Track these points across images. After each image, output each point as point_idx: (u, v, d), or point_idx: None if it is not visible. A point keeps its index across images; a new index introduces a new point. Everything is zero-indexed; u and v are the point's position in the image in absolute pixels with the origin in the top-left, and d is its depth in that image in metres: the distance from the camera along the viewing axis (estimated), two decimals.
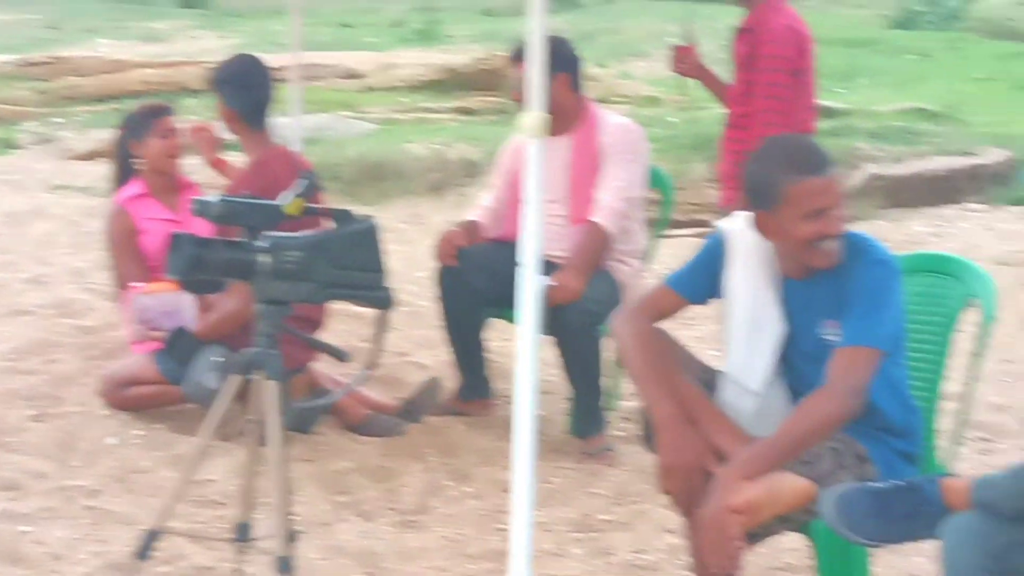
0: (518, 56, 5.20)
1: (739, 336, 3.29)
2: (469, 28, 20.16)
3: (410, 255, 7.56)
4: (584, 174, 5.03)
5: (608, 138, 5.05)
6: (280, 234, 3.23)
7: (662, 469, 3.15)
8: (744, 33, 5.11)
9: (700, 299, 3.41)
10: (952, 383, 5.65)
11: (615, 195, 4.97)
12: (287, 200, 3.35)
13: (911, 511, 2.80)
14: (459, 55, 13.34)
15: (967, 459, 5.02)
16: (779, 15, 5.03)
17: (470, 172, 8.98)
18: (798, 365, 3.27)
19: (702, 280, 3.38)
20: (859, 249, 3.20)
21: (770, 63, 4.99)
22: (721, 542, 2.99)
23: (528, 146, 2.91)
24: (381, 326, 3.85)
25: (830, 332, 3.19)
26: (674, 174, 8.78)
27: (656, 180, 5.39)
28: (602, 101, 12.51)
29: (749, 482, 2.99)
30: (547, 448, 5.09)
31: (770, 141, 3.28)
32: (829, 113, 10.83)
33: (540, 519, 4.48)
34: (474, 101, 11.47)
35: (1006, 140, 9.52)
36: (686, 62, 5.42)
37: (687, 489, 3.13)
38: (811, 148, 3.23)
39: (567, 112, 5.07)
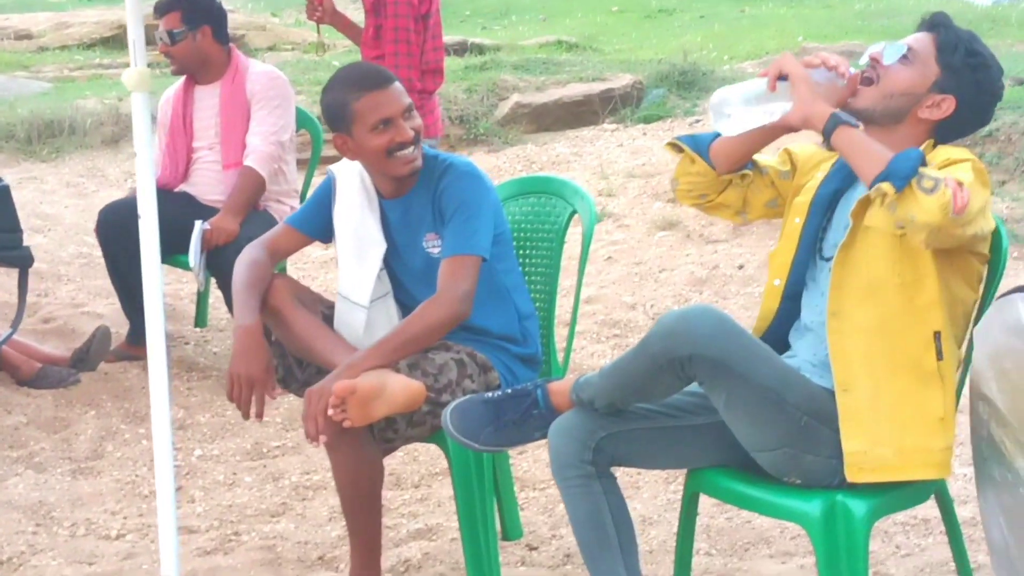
0: (160, 10, 5.00)
1: (348, 258, 3.23)
2: None
3: (87, 207, 7.21)
4: (234, 121, 4.89)
5: (255, 86, 4.91)
6: None
7: (228, 376, 3.07)
8: None
9: (322, 236, 3.32)
10: (585, 288, 5.82)
11: (265, 139, 4.85)
12: None
13: (522, 416, 2.79)
14: None
15: (605, 354, 5.14)
16: None
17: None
18: (407, 283, 3.24)
19: (319, 218, 3.30)
20: (446, 165, 3.20)
21: (395, 9, 4.95)
22: (313, 411, 2.90)
23: (134, 102, 2.73)
24: (23, 284, 3.65)
25: (431, 244, 3.18)
26: None
27: (305, 122, 5.27)
28: (272, 48, 12.29)
29: (361, 378, 2.90)
30: (221, 383, 4.92)
31: (336, 72, 3.25)
32: (479, 50, 10.87)
33: (214, 452, 4.36)
34: (154, 56, 11.00)
35: (634, 65, 9.71)
36: (320, 10, 5.31)
37: (247, 399, 3.06)
38: (369, 68, 3.26)
39: (213, 62, 4.95)
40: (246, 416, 3.08)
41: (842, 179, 2.78)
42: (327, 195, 3.29)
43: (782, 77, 2.64)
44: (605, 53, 11.36)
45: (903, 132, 2.67)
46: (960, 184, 2.42)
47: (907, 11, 12.23)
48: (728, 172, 2.83)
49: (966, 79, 2.67)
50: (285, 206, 4.93)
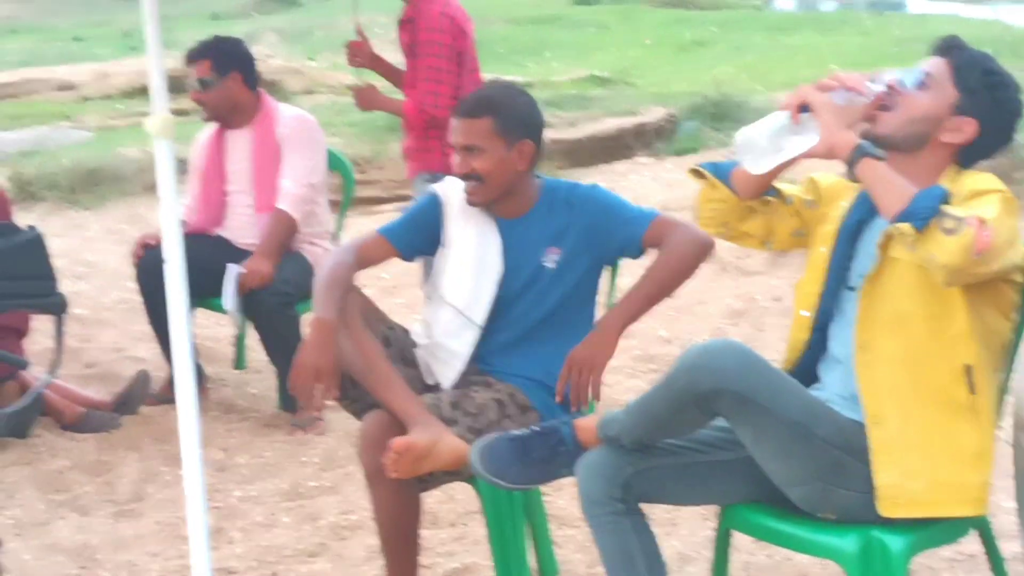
0: (191, 58, 5.06)
1: (465, 270, 3.22)
2: (197, 33, 19.43)
3: (129, 254, 7.26)
4: (266, 165, 4.93)
5: (285, 129, 4.95)
6: None
7: (296, 364, 3.05)
8: (406, 23, 5.07)
9: (410, 254, 3.31)
10: None
11: (297, 182, 4.88)
12: None
13: (549, 453, 2.77)
14: (171, 59, 12.89)
15: (641, 390, 5.06)
16: (434, 3, 4.97)
17: (184, 169, 8.69)
18: (504, 298, 3.23)
19: (415, 236, 3.29)
20: (570, 185, 3.29)
21: (428, 49, 4.95)
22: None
23: (157, 148, 2.74)
24: (59, 330, 3.67)
25: (551, 259, 3.20)
26: (375, 154, 8.76)
27: (336, 164, 5.30)
28: (308, 92, 12.39)
29: (417, 433, 2.93)
30: (260, 424, 4.97)
31: None
32: None
33: (252, 493, 4.36)
34: (187, 102, 11.13)
35: (667, 98, 9.71)
36: (360, 55, 5.34)
37: (310, 391, 3.05)
38: (475, 95, 3.26)
39: (244, 107, 5.00)
40: (307, 405, 3.08)
41: (868, 208, 2.72)
42: (431, 214, 3.29)
43: (804, 108, 2.59)
44: (638, 87, 11.37)
45: (926, 158, 2.63)
46: (984, 222, 2.35)
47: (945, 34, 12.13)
48: (750, 197, 2.80)
49: (986, 100, 2.62)
50: (318, 248, 4.96)
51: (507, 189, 3.20)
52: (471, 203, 3.21)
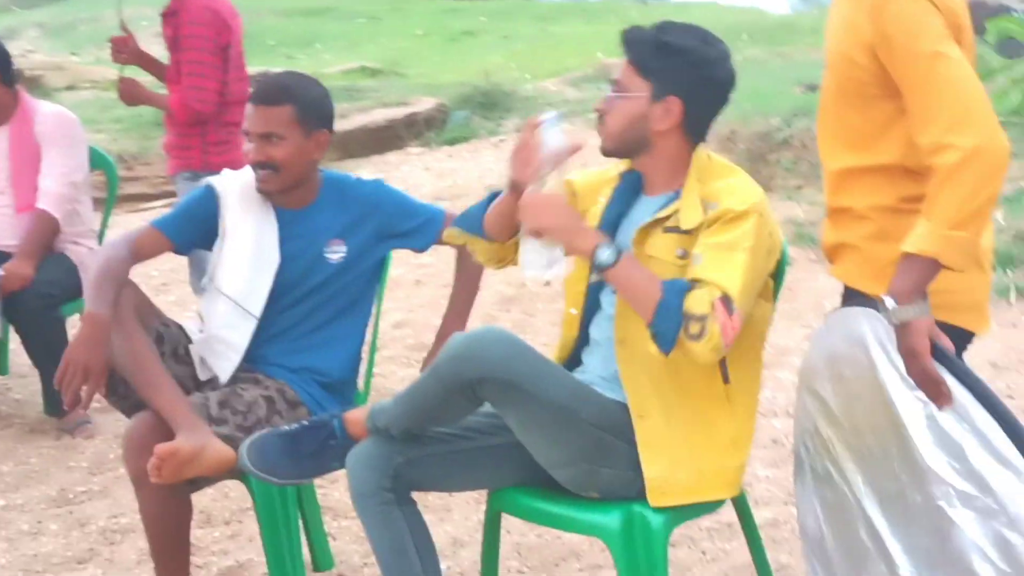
0: None
1: (242, 263, 3.17)
2: None
3: None
4: (24, 164, 4.76)
5: (44, 127, 4.79)
6: None
7: (64, 359, 2.93)
8: (169, 17, 4.95)
9: (184, 246, 3.24)
10: (394, 313, 5.81)
11: (57, 181, 4.72)
12: None
13: (319, 447, 2.75)
14: None
15: (414, 380, 5.09)
16: None
17: None
18: (281, 289, 3.20)
19: (190, 228, 3.21)
20: (355, 180, 3.32)
21: (191, 43, 4.85)
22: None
23: None
24: None
25: (332, 250, 3.20)
26: (141, 150, 8.54)
27: (99, 161, 5.14)
28: (71, 88, 11.96)
29: (183, 438, 2.86)
30: (25, 430, 4.80)
31: None
32: None
33: (17, 501, 4.20)
34: None
35: (438, 89, 9.76)
36: (124, 51, 5.19)
37: (77, 388, 2.94)
38: (274, 81, 3.19)
39: (0, 105, 4.78)
40: (70, 405, 2.97)
41: (625, 201, 2.73)
42: (206, 206, 3.21)
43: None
44: (409, 78, 11.39)
45: (660, 151, 2.65)
46: (728, 304, 2.41)
47: (704, 23, 12.51)
48: (508, 238, 2.77)
49: (672, 71, 2.60)
50: (82, 247, 4.81)
51: (300, 179, 3.18)
52: (262, 191, 3.17)
